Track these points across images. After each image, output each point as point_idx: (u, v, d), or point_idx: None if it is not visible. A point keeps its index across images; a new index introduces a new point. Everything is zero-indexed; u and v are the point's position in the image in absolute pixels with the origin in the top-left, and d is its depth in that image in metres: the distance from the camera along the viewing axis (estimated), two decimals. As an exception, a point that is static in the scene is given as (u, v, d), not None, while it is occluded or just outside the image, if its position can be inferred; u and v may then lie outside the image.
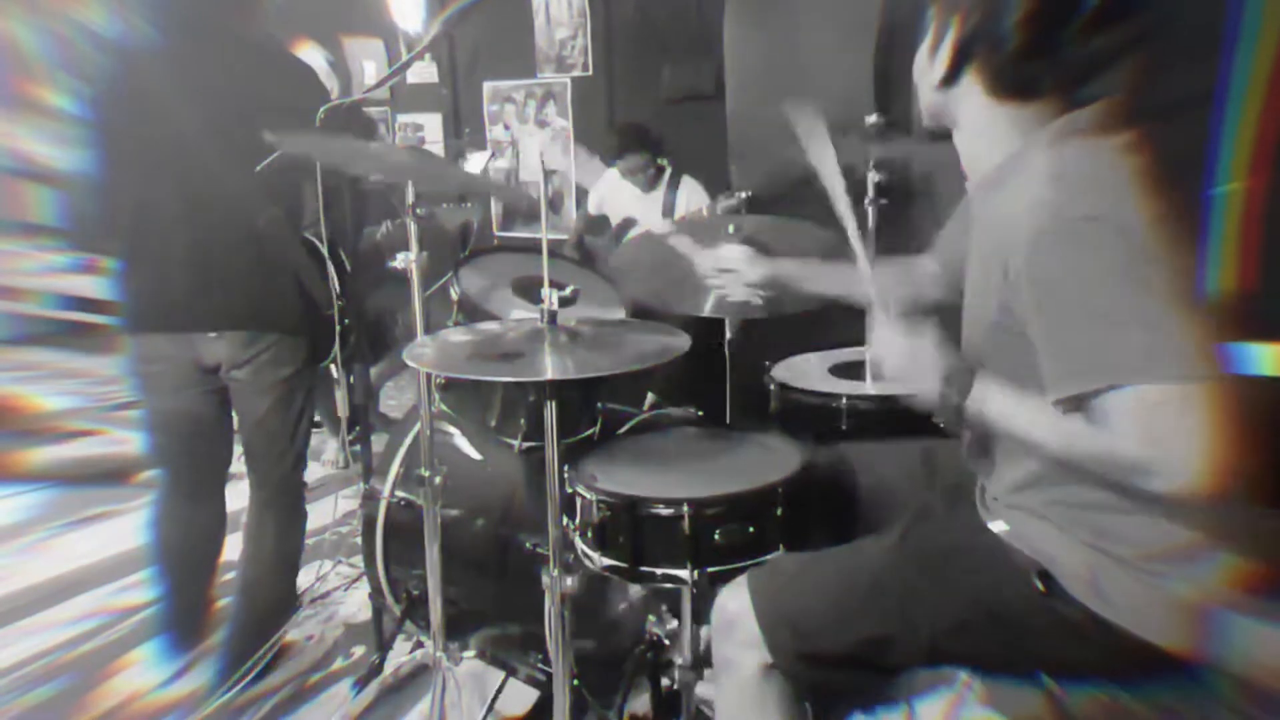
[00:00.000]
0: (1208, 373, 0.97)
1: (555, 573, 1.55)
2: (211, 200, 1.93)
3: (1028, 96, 1.15)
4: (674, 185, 3.75)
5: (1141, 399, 0.98)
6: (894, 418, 1.93)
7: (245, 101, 1.91)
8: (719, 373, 2.16)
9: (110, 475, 3.62)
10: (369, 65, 5.01)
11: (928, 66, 1.23)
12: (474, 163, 4.01)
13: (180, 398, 2.06)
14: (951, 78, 1.19)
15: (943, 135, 1.28)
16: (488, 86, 4.72)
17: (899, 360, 1.21)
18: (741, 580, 1.35)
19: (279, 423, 2.13)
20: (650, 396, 2.48)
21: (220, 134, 1.89)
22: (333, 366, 2.21)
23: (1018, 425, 1.11)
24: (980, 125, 1.20)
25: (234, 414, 2.16)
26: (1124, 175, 1.07)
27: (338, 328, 2.10)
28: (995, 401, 1.13)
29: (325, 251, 2.15)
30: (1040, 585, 1.17)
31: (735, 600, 1.32)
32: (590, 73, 4.36)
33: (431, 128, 5.06)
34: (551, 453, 1.51)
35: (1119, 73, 1.14)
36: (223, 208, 1.95)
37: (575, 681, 1.75)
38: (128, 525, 3.17)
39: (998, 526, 1.25)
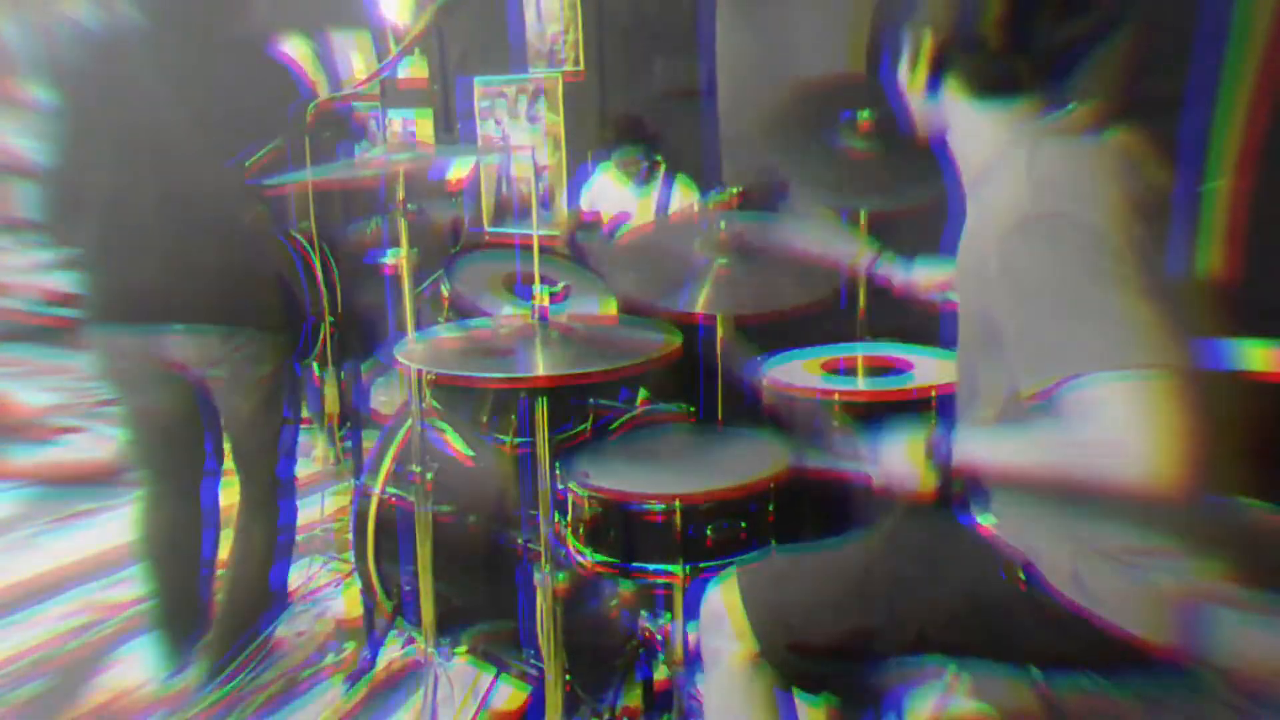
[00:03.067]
0: (1171, 366, 0.98)
1: (547, 570, 1.56)
2: (189, 194, 1.91)
3: (1009, 94, 1.17)
4: (667, 182, 3.75)
5: (1101, 390, 0.99)
6: (882, 416, 1.94)
7: (228, 99, 1.90)
8: (711, 371, 2.16)
9: (93, 473, 3.59)
10: (356, 59, 4.98)
11: (909, 79, 1.25)
12: (464, 159, 4.00)
13: (150, 394, 2.04)
14: (932, 86, 1.21)
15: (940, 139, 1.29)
16: (478, 83, 4.70)
17: (898, 469, 1.22)
18: (730, 573, 1.36)
19: (264, 420, 2.12)
20: (642, 394, 2.48)
21: (202, 129, 1.87)
22: (314, 364, 2.20)
23: (1000, 462, 1.13)
24: (968, 127, 1.22)
25: (218, 411, 2.15)
26: (1098, 173, 1.09)
27: (325, 325, 2.09)
28: (976, 451, 1.15)
29: (314, 249, 2.14)
30: (1021, 577, 1.19)
31: (724, 593, 1.34)
32: (581, 68, 4.35)
33: (421, 125, 5.03)
34: (543, 450, 1.52)
35: (1097, 70, 1.15)
36: (201, 202, 1.92)
37: (566, 678, 1.75)
38: (112, 523, 3.16)
39: (985, 520, 1.26)
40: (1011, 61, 1.15)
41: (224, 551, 2.22)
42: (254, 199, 1.97)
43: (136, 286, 1.95)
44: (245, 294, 2.00)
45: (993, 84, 1.17)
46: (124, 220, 1.93)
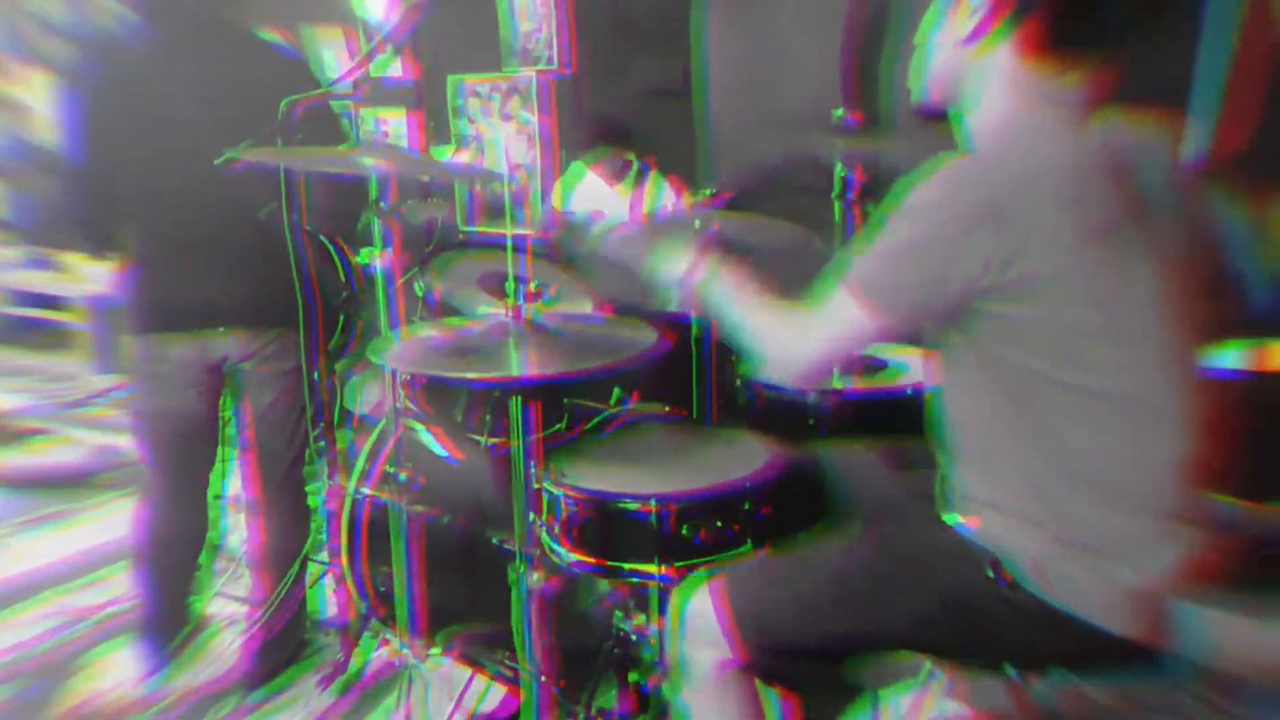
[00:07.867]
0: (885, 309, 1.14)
1: (523, 570, 1.55)
2: (217, 194, 1.90)
3: (1070, 57, 1.15)
4: (642, 181, 3.75)
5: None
6: (863, 415, 1.95)
7: (241, 92, 1.87)
8: (689, 370, 2.16)
9: (63, 475, 3.54)
10: (329, 55, 4.93)
11: (956, 26, 1.20)
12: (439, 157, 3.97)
13: (181, 398, 2.04)
14: (1002, 34, 1.16)
15: (930, 120, 1.28)
16: (453, 81, 4.67)
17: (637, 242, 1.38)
18: (699, 579, 1.36)
19: (284, 415, 2.12)
20: (616, 392, 2.48)
21: (220, 125, 1.84)
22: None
23: (723, 299, 1.31)
24: (1004, 97, 1.19)
25: (238, 411, 2.14)
26: (1156, 154, 1.11)
27: (340, 319, 2.09)
28: (713, 281, 1.31)
29: (333, 246, 2.14)
30: (993, 575, 1.19)
31: (694, 599, 1.33)
32: (557, 67, 4.33)
33: (396, 123, 5.00)
34: (519, 449, 1.51)
35: (1138, 50, 1.16)
36: (228, 201, 1.92)
37: (544, 678, 1.75)
38: (83, 526, 3.11)
39: (957, 520, 1.27)
40: (1086, 21, 1.14)
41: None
42: (270, 194, 1.95)
43: (187, 292, 1.96)
44: (275, 290, 1.98)
45: (1064, 42, 1.15)
46: (165, 226, 1.94)
